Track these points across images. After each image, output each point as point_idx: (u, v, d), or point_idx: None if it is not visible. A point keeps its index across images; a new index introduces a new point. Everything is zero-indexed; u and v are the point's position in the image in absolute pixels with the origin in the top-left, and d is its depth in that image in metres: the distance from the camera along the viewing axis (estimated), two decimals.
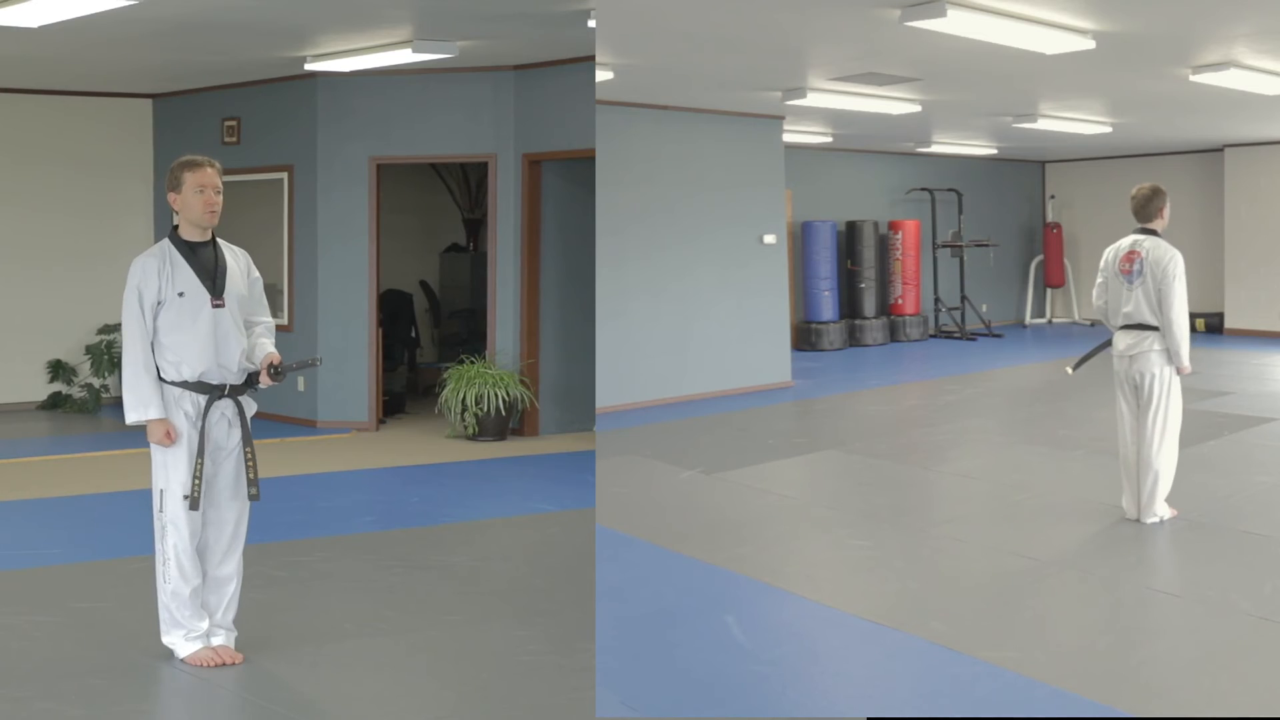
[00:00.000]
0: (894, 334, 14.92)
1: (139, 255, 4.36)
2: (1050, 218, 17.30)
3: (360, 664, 4.45)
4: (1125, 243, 5.84)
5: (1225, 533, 5.77)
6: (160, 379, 4.27)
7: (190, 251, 4.34)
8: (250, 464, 4.37)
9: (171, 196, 4.38)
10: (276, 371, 4.39)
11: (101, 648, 4.55)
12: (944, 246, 15.54)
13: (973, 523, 6.09)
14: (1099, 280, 6.01)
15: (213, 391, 4.31)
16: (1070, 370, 6.42)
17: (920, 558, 5.47)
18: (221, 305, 4.32)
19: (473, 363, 9.55)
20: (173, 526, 4.27)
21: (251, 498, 4.40)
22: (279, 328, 10.01)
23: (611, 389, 9.61)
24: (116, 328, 10.79)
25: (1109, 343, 6.01)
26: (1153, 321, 5.70)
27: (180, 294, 4.25)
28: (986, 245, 15.78)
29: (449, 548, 6.21)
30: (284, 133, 10.19)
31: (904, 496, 6.84)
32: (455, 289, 12.43)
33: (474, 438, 9.38)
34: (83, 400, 10.74)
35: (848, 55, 7.75)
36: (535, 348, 9.75)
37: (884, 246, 15.01)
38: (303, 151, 10.05)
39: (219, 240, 4.47)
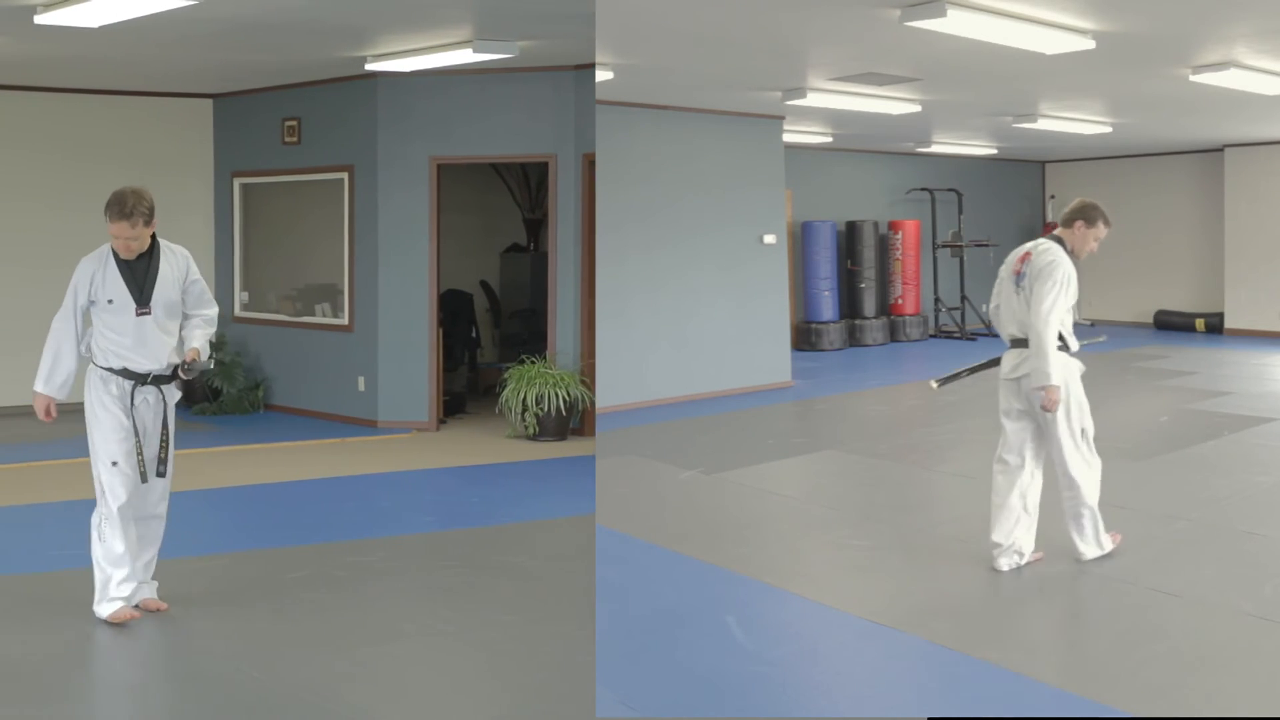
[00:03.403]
0: (894, 334, 14.92)
1: (85, 257, 4.83)
2: (1050, 218, 17.29)
3: (419, 664, 4.45)
4: (1027, 245, 5.25)
5: (1225, 533, 5.77)
6: (101, 365, 4.77)
7: (125, 263, 4.78)
8: (164, 444, 4.85)
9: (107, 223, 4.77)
10: (187, 368, 4.85)
11: (164, 650, 4.55)
12: (944, 246, 15.54)
13: (973, 523, 6.07)
14: (995, 289, 5.33)
15: (137, 379, 4.79)
16: (934, 385, 5.72)
17: (920, 558, 5.46)
18: (147, 313, 4.78)
19: (533, 363, 9.49)
20: (110, 492, 4.75)
21: (159, 475, 4.86)
22: (340, 328, 10.13)
23: (611, 389, 9.61)
24: None
25: (995, 361, 5.29)
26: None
27: (110, 301, 4.74)
28: (986, 245, 15.79)
29: (509, 548, 6.17)
30: (344, 133, 10.13)
31: (904, 496, 6.84)
32: (515, 289, 12.37)
33: (534, 438, 9.31)
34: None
35: (848, 55, 7.75)
36: (595, 347, 9.72)
37: (884, 246, 15.01)
38: (363, 151, 10.00)
39: (161, 243, 4.90)
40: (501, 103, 9.65)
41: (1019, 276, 5.10)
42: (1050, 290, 4.90)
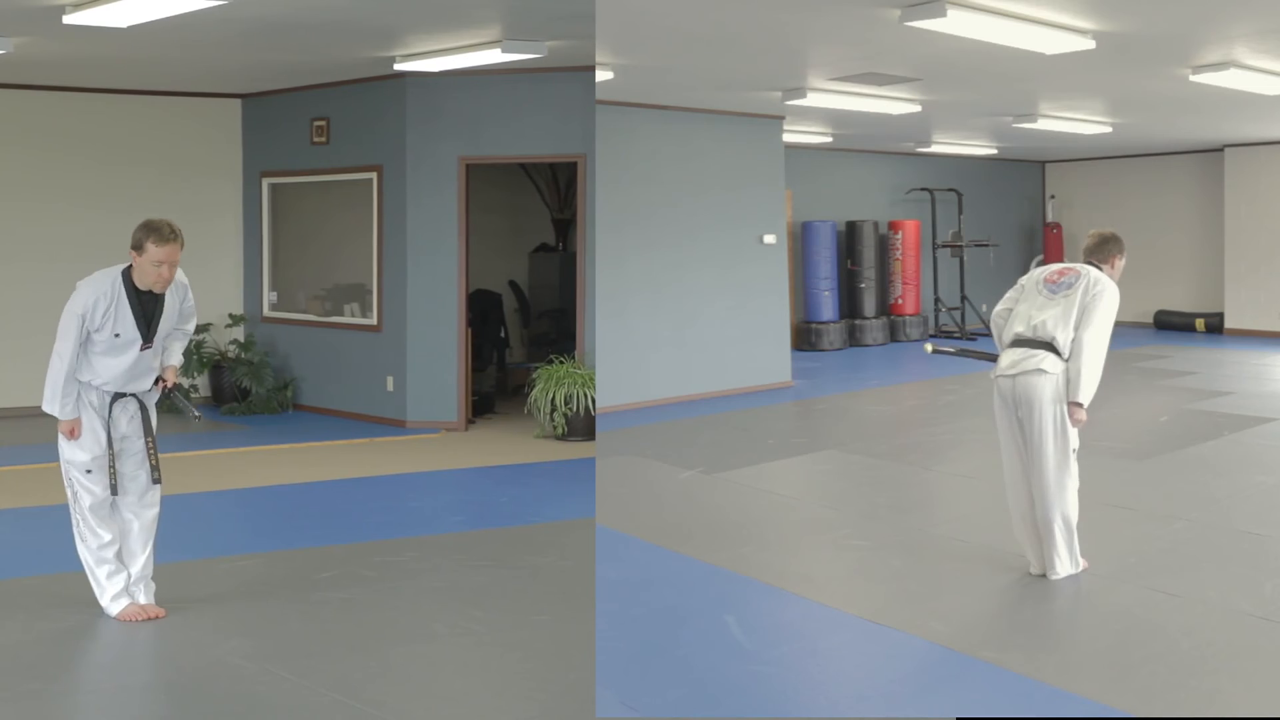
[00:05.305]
0: (894, 334, 14.92)
1: (88, 279, 4.76)
2: (1050, 218, 17.30)
3: (450, 664, 4.46)
4: (1063, 264, 5.19)
5: (1225, 533, 5.77)
6: (82, 380, 4.76)
7: (136, 298, 4.75)
8: (151, 452, 4.88)
9: (132, 254, 4.73)
10: (168, 394, 4.97)
11: (192, 650, 4.59)
12: (944, 246, 15.53)
13: (973, 523, 6.08)
14: (1009, 294, 5.22)
15: (117, 393, 4.83)
16: (928, 349, 5.57)
17: (920, 558, 5.47)
18: (149, 348, 4.80)
19: (562, 362, 9.47)
20: (83, 491, 4.78)
21: (155, 481, 4.90)
22: (368, 328, 10.16)
23: (611, 389, 9.61)
24: (207, 328, 10.78)
25: (992, 358, 5.23)
26: (1058, 339, 4.90)
27: (117, 335, 4.71)
28: (986, 245, 15.79)
29: (538, 548, 6.16)
30: (373, 133, 10.12)
31: (904, 496, 6.84)
32: (544, 289, 12.37)
33: (563, 438, 9.29)
34: (169, 403, 10.66)
35: (848, 55, 7.75)
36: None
37: (884, 246, 15.01)
38: (392, 151, 9.98)
39: None
40: (530, 103, 9.62)
41: (1055, 285, 5.04)
42: (1109, 310, 4.96)
